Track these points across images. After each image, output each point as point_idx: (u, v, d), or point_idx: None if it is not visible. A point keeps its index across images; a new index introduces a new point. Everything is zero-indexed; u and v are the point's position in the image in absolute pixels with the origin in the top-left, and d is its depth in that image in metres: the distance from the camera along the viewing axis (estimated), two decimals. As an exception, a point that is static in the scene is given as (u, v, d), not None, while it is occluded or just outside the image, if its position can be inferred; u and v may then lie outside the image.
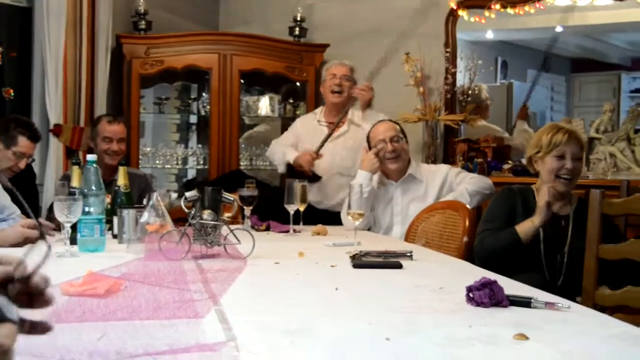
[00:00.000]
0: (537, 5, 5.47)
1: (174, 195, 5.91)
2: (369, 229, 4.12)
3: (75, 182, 3.12)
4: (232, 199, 2.97)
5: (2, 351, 0.90)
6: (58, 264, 2.63)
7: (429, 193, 4.13)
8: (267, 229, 3.86)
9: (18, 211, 3.42)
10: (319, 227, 3.77)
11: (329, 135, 4.63)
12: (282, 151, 4.78)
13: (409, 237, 3.93)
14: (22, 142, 4.04)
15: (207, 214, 2.75)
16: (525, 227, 3.20)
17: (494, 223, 3.32)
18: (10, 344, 0.91)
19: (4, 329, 0.92)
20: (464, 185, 4.05)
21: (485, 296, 1.86)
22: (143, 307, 1.79)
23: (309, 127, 4.86)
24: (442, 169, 4.26)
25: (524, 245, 3.19)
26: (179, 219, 3.20)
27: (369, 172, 4.10)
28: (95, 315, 1.69)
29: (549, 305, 1.85)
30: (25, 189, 4.32)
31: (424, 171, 4.24)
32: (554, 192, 3.21)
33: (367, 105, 4.73)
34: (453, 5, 5.67)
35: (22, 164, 4.08)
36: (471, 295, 1.89)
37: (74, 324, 1.63)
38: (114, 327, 1.60)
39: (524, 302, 1.89)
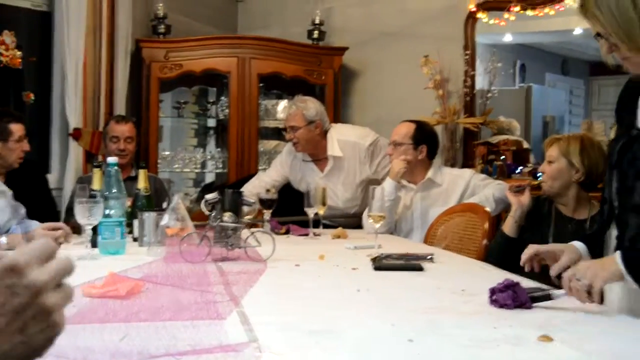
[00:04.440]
0: (557, 6, 5.43)
1: (192, 198, 5.92)
2: (391, 233, 4.05)
3: (96, 185, 3.12)
4: (252, 201, 2.97)
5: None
6: (79, 267, 2.63)
7: (450, 198, 4.07)
8: (287, 232, 3.85)
9: (23, 209, 3.42)
10: (339, 230, 3.76)
11: None
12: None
13: (428, 239, 3.90)
14: (14, 127, 4.16)
15: (227, 217, 2.75)
16: (507, 223, 3.39)
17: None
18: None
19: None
20: (491, 190, 4.00)
21: (508, 298, 1.85)
22: (165, 308, 1.79)
23: (299, 166, 4.66)
24: (464, 174, 4.20)
25: (515, 239, 3.31)
26: (197, 225, 3.18)
27: (394, 181, 4.02)
28: (117, 317, 1.69)
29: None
30: (39, 195, 4.35)
31: (446, 175, 4.18)
32: (515, 186, 3.45)
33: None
34: (472, 7, 5.64)
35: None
36: (494, 297, 1.88)
37: (96, 325, 1.63)
38: (136, 328, 1.59)
39: (544, 296, 1.91)
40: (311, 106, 4.54)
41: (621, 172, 2.03)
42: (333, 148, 4.52)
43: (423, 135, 4.15)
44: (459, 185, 4.11)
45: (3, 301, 0.83)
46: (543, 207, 3.36)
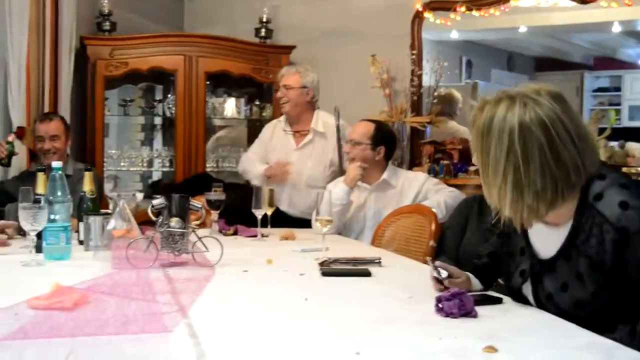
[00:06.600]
0: (502, 7, 5.49)
1: (140, 196, 5.84)
2: (339, 234, 4.02)
3: (40, 189, 3.08)
4: (199, 206, 2.95)
5: None
6: (24, 273, 2.61)
7: (403, 200, 4.07)
8: (235, 233, 3.83)
9: None
10: (287, 231, 3.74)
11: None
12: (253, 167, 4.78)
13: (375, 240, 3.91)
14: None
15: (174, 222, 2.72)
16: None
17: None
18: None
19: None
20: (443, 197, 4.02)
21: (454, 307, 1.87)
22: (111, 321, 1.77)
23: (277, 136, 4.80)
24: (419, 178, 4.22)
25: None
26: (145, 222, 3.15)
27: (347, 186, 4.04)
28: (62, 331, 1.67)
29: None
30: None
31: (401, 177, 4.20)
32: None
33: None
34: (419, 7, 5.68)
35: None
36: (440, 305, 1.90)
37: (41, 341, 1.61)
38: (82, 343, 1.58)
39: (491, 299, 2.03)
40: (310, 74, 4.78)
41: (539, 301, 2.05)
42: (317, 123, 4.70)
43: (382, 135, 4.17)
44: (413, 188, 4.12)
45: None
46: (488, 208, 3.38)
